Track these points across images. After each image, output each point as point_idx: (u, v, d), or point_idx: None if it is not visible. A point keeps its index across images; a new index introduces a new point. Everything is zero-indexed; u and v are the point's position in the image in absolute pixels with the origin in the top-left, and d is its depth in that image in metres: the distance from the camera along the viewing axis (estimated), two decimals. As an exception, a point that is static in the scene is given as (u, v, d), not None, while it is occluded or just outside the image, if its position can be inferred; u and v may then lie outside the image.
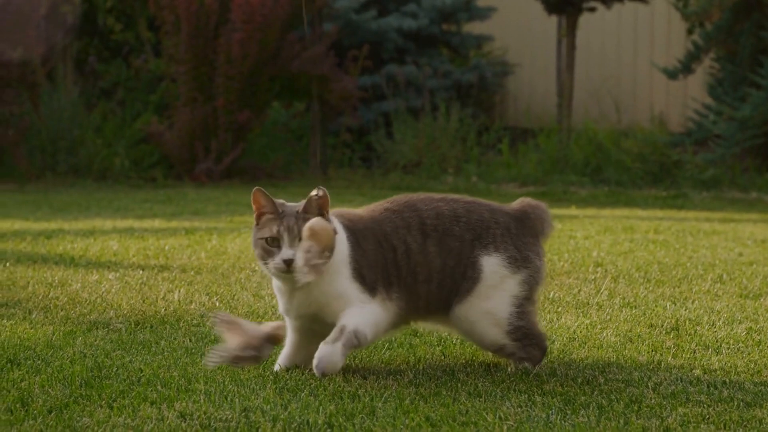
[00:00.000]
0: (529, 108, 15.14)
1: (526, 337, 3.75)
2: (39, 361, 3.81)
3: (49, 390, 3.43)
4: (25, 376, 3.60)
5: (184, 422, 3.12)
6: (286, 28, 12.88)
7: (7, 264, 6.06)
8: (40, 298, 5.06)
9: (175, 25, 12.80)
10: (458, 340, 4.18)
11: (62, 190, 11.89)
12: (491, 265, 3.72)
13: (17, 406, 3.26)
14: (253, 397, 3.37)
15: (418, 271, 3.71)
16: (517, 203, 3.90)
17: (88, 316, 4.63)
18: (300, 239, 3.57)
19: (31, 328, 4.39)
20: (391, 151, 13.56)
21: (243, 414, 3.19)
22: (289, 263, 3.55)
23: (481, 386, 3.53)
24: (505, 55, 15.56)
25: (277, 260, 3.58)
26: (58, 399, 3.33)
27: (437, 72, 14.59)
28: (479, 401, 3.36)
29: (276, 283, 3.72)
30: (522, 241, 3.78)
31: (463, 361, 3.90)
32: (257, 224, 3.66)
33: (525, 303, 3.76)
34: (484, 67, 14.96)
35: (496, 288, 3.72)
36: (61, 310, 4.76)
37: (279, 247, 3.58)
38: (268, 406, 3.26)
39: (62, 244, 6.97)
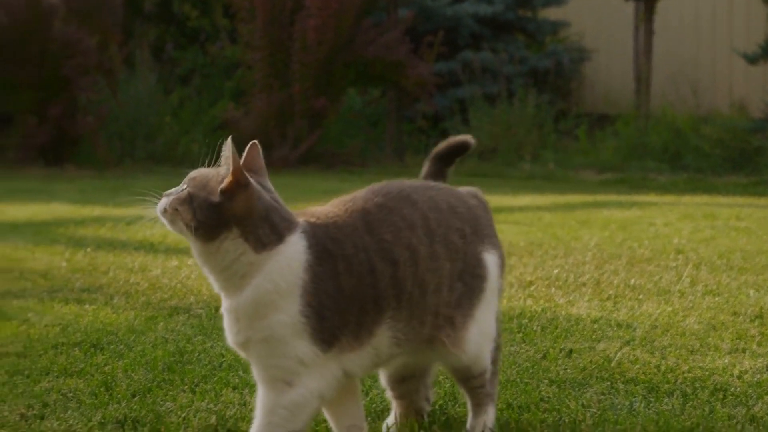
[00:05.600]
0: (606, 94, 15.02)
1: (496, 361, 2.94)
2: (122, 346, 3.84)
3: (132, 374, 3.45)
4: (109, 361, 3.63)
5: (266, 407, 3.11)
6: (361, 14, 12.88)
7: (88, 249, 6.12)
8: (121, 283, 5.10)
9: (250, 11, 12.85)
10: (539, 328, 4.14)
11: (141, 176, 11.97)
12: (492, 265, 2.88)
13: (101, 390, 3.28)
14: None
15: (427, 280, 2.75)
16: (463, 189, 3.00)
17: (168, 302, 4.66)
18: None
19: (113, 313, 4.42)
20: (467, 138, 13.52)
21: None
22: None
23: (562, 373, 3.49)
24: (581, 41, 15.46)
25: None
26: (141, 383, 3.35)
27: (513, 58, 14.53)
28: (561, 388, 3.33)
29: None
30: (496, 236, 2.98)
31: (544, 348, 3.86)
32: None
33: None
34: (561, 53, 14.88)
35: (494, 294, 2.89)
36: (142, 296, 4.79)
37: None
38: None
39: (142, 230, 7.02)
